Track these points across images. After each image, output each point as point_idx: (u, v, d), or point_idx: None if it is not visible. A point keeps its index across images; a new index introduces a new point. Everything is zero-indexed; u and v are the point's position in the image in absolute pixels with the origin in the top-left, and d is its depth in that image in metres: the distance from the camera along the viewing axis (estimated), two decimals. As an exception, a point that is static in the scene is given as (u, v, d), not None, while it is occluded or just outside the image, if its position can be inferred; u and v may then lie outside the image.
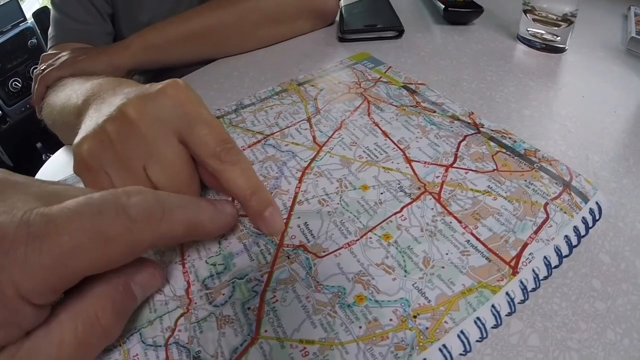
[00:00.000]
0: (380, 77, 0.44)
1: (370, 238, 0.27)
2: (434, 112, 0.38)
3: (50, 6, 0.65)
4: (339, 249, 0.27)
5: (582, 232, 0.27)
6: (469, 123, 0.36)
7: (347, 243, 0.27)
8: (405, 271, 0.25)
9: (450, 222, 0.27)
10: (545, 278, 0.25)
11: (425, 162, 0.32)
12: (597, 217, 0.28)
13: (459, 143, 0.33)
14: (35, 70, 0.54)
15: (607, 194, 0.31)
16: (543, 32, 0.50)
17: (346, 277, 0.25)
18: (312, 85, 0.44)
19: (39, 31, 1.92)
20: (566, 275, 0.26)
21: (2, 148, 1.82)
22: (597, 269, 0.26)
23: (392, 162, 0.32)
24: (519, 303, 0.24)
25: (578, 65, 0.48)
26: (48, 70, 0.52)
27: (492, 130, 0.35)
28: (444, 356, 0.21)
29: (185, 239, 0.25)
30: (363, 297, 0.24)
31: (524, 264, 0.25)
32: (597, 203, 0.28)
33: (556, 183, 0.29)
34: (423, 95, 0.40)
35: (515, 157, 0.32)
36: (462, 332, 0.22)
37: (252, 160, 0.34)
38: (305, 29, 0.60)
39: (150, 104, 0.26)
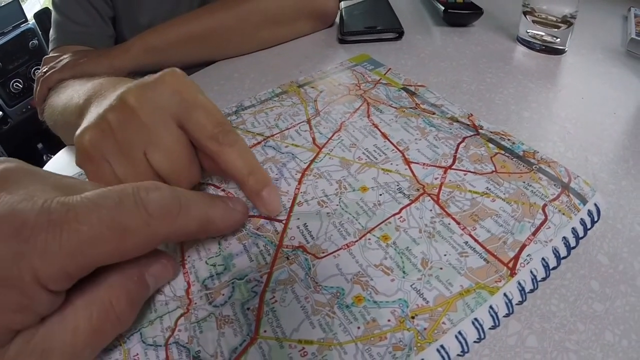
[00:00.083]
0: (380, 78, 0.44)
1: (369, 239, 0.27)
2: (433, 113, 0.38)
3: (51, 8, 0.65)
4: (338, 250, 0.27)
5: (581, 234, 0.27)
6: (468, 125, 0.36)
7: (346, 244, 0.27)
8: (404, 272, 0.25)
9: (449, 224, 0.27)
10: (544, 279, 0.25)
11: (424, 164, 0.32)
12: (595, 219, 0.28)
13: (458, 145, 0.34)
14: (37, 73, 0.54)
15: (605, 195, 0.31)
16: (543, 33, 0.50)
17: (345, 278, 0.25)
18: (312, 87, 0.44)
19: (40, 32, 1.93)
20: (564, 277, 0.26)
21: (3, 149, 1.83)
22: (596, 270, 0.27)
23: (391, 164, 0.32)
24: (516, 304, 0.24)
25: (578, 67, 0.48)
26: (50, 72, 0.52)
27: (491, 132, 0.35)
28: (442, 357, 0.21)
29: (197, 234, 0.25)
30: (362, 298, 0.24)
31: (522, 265, 0.25)
32: (595, 205, 0.28)
33: (555, 185, 0.29)
34: (422, 97, 0.40)
35: (514, 159, 0.32)
36: (459, 332, 0.22)
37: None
38: (305, 30, 0.60)
39: (149, 91, 0.27)
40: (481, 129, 0.35)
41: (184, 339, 0.23)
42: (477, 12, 0.57)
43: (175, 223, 0.22)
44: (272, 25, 0.56)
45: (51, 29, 0.63)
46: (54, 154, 0.51)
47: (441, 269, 0.25)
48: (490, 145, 0.33)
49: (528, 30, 0.52)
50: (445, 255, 0.26)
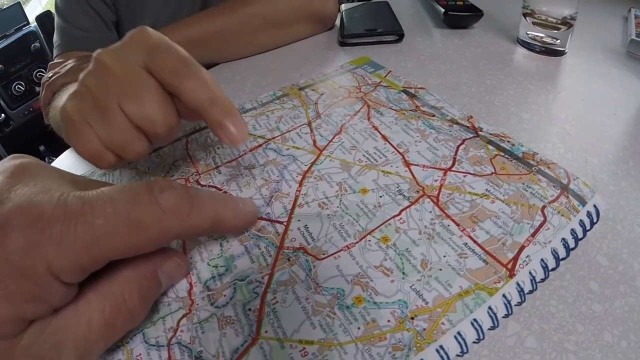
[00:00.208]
0: (380, 81, 0.45)
1: (369, 241, 0.27)
2: (433, 116, 0.38)
3: (53, 11, 0.65)
4: (338, 251, 0.27)
5: (580, 235, 0.27)
6: (467, 127, 0.36)
7: (347, 246, 0.27)
8: (404, 273, 0.25)
9: (448, 225, 0.28)
10: (542, 280, 0.25)
11: (424, 166, 0.32)
12: (594, 220, 0.28)
13: (458, 147, 0.34)
14: (42, 78, 0.55)
15: (605, 196, 0.31)
16: (543, 35, 0.51)
17: (345, 279, 0.25)
18: (313, 90, 0.44)
19: (42, 35, 1.93)
20: (563, 278, 0.26)
21: (5, 151, 1.84)
22: (595, 271, 0.27)
23: (392, 166, 0.33)
24: (515, 305, 0.24)
25: (578, 68, 0.48)
26: (54, 77, 0.53)
27: (491, 134, 0.35)
28: (441, 357, 0.21)
29: (209, 232, 0.26)
30: (362, 299, 0.24)
31: (521, 266, 0.25)
32: (594, 206, 0.28)
33: (554, 186, 0.30)
34: (422, 100, 0.41)
35: (514, 161, 0.32)
36: (459, 333, 0.22)
37: (254, 164, 0.35)
38: (306, 33, 0.60)
39: (120, 48, 0.28)
40: (481, 130, 0.35)
41: (186, 339, 0.23)
42: (477, 14, 0.57)
43: (188, 220, 0.22)
44: (272, 28, 0.56)
45: (55, 34, 0.63)
46: (57, 157, 0.51)
47: (440, 270, 0.25)
48: (490, 147, 0.33)
49: (528, 32, 0.52)
50: (444, 256, 0.26)
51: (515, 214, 0.28)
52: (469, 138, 0.35)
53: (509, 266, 0.25)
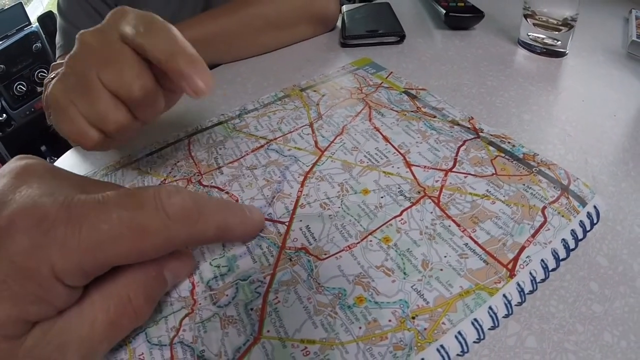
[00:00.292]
0: (382, 82, 0.45)
1: (371, 241, 0.27)
2: (434, 117, 0.38)
3: (55, 11, 0.66)
4: (340, 251, 0.27)
5: (580, 236, 0.27)
6: (468, 128, 0.36)
7: (348, 246, 0.27)
8: (405, 273, 0.25)
9: (449, 226, 0.28)
10: (543, 281, 0.25)
11: (425, 167, 0.32)
12: (594, 221, 0.28)
13: (459, 148, 0.34)
14: (45, 78, 0.55)
15: (605, 197, 0.31)
16: (543, 36, 0.51)
17: (347, 279, 0.25)
18: (315, 91, 0.45)
19: (43, 35, 1.94)
20: (563, 278, 0.26)
21: (7, 151, 1.84)
22: (595, 271, 0.27)
23: (393, 167, 0.33)
24: (516, 305, 0.24)
25: (578, 69, 0.49)
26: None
27: (492, 135, 0.35)
28: (442, 356, 0.22)
29: (214, 240, 0.26)
30: (363, 299, 0.24)
31: (521, 266, 0.25)
32: (595, 207, 0.29)
33: (554, 187, 0.30)
34: (423, 101, 0.41)
35: (514, 162, 0.32)
36: (459, 333, 0.22)
37: (256, 165, 0.35)
38: (307, 34, 0.60)
39: (100, 26, 0.29)
40: (481, 132, 0.36)
41: (189, 338, 0.24)
42: (478, 15, 0.58)
43: (194, 228, 0.22)
44: (274, 29, 0.57)
45: (57, 34, 0.63)
46: (58, 157, 0.51)
47: (441, 270, 0.25)
48: (491, 148, 0.34)
49: (529, 33, 0.52)
50: (445, 256, 0.26)
51: (515, 215, 0.28)
52: (470, 139, 0.35)
53: (510, 266, 0.25)
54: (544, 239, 0.26)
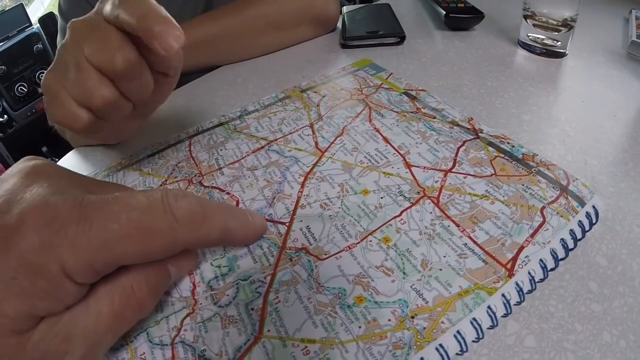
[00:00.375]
0: (382, 83, 0.45)
1: (371, 241, 0.28)
2: (434, 118, 0.38)
3: (56, 13, 0.66)
4: (340, 251, 0.27)
5: (579, 236, 0.28)
6: (468, 128, 0.36)
7: (348, 246, 0.28)
8: (404, 273, 0.25)
9: (449, 226, 0.28)
10: (542, 280, 0.26)
11: (424, 167, 0.33)
12: (593, 221, 0.28)
13: (458, 148, 0.34)
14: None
15: (605, 197, 0.31)
16: (543, 37, 0.51)
17: (347, 279, 0.26)
18: (315, 92, 0.45)
19: (44, 36, 1.94)
20: (562, 278, 0.26)
21: (8, 152, 1.84)
22: (594, 271, 0.27)
23: (393, 167, 0.33)
24: (515, 305, 0.24)
25: (578, 70, 0.49)
26: None
27: (491, 136, 0.35)
28: (441, 355, 0.22)
29: (217, 243, 0.26)
30: (363, 298, 0.24)
31: (520, 266, 0.25)
32: (593, 207, 0.29)
33: (553, 187, 0.30)
34: (423, 102, 0.41)
35: (513, 162, 0.32)
36: (458, 332, 0.22)
37: (256, 165, 0.35)
38: (308, 35, 0.60)
39: (88, 15, 0.30)
40: (481, 132, 0.36)
41: (190, 338, 0.24)
42: (479, 16, 0.58)
43: (200, 231, 0.22)
44: (274, 30, 0.57)
45: (58, 35, 0.63)
46: (59, 158, 0.51)
47: (440, 270, 0.25)
48: (490, 148, 0.34)
49: (529, 34, 0.52)
50: (444, 256, 0.26)
51: (514, 215, 0.28)
52: (470, 140, 0.35)
53: (508, 266, 0.25)
54: (543, 239, 0.27)
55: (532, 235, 0.27)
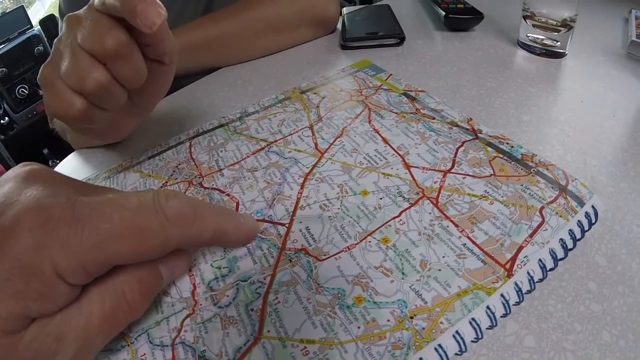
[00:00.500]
0: (381, 84, 0.45)
1: (370, 242, 0.28)
2: (433, 118, 0.38)
3: (57, 14, 0.66)
4: (339, 252, 0.27)
5: (578, 236, 0.28)
6: (467, 129, 0.36)
7: (347, 247, 0.28)
8: (403, 274, 0.25)
9: (447, 226, 0.28)
10: (541, 280, 0.26)
11: (423, 168, 0.33)
12: (593, 221, 0.28)
13: (457, 149, 0.34)
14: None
15: (604, 197, 0.31)
16: (543, 37, 0.51)
17: (346, 280, 0.26)
18: (315, 93, 0.45)
19: (45, 38, 1.94)
20: (562, 278, 0.26)
21: (9, 154, 1.85)
22: (593, 271, 0.27)
23: (392, 168, 0.33)
24: (514, 305, 0.24)
25: (578, 70, 0.49)
26: None
27: (490, 136, 0.35)
28: (440, 356, 0.22)
29: (210, 244, 0.27)
30: (362, 299, 0.24)
31: (519, 266, 0.25)
32: (593, 207, 0.29)
33: (552, 187, 0.30)
34: (423, 102, 0.41)
35: (512, 162, 0.32)
36: (457, 332, 0.22)
37: (256, 167, 0.35)
38: (307, 37, 0.60)
39: (83, 8, 0.30)
40: (480, 133, 0.36)
41: (190, 339, 0.24)
42: (478, 16, 0.58)
43: (191, 230, 0.23)
44: (274, 32, 0.57)
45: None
46: (60, 160, 0.51)
47: (439, 270, 0.25)
48: (489, 149, 0.34)
49: (528, 34, 0.52)
50: (443, 257, 0.26)
51: (513, 215, 0.28)
52: (469, 140, 0.35)
53: (507, 266, 0.25)
54: (542, 239, 0.27)
55: (531, 236, 0.27)
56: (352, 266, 0.26)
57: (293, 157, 0.36)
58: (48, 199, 0.20)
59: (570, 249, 0.27)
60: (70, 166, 0.45)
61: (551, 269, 0.26)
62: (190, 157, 0.38)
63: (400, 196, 0.31)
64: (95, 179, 0.39)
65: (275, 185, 0.33)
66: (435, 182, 0.31)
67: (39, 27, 1.97)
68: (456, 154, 0.34)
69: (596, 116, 0.40)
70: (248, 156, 0.37)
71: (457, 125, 0.37)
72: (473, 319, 0.23)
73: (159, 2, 0.28)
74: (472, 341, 0.23)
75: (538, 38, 0.51)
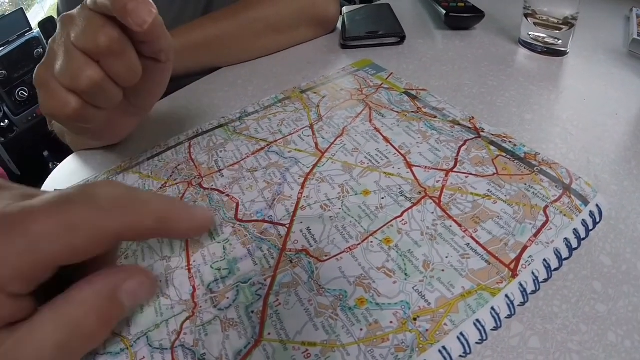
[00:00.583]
0: (382, 83, 0.45)
1: (372, 242, 0.27)
2: (435, 117, 0.38)
3: (56, 17, 0.66)
4: (340, 253, 0.27)
5: (583, 235, 0.27)
6: (469, 128, 0.36)
7: (349, 247, 0.27)
8: (406, 274, 0.25)
9: (450, 226, 0.28)
10: (545, 280, 0.25)
11: (425, 167, 0.32)
12: (597, 220, 0.28)
13: (460, 148, 0.34)
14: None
15: (608, 196, 0.31)
16: (544, 35, 0.50)
17: (348, 281, 0.25)
18: (315, 93, 0.45)
19: (45, 40, 1.94)
20: (566, 278, 0.26)
21: (9, 157, 1.84)
22: (598, 271, 0.26)
23: (393, 168, 0.33)
24: (518, 305, 0.24)
25: (579, 68, 0.48)
26: None
27: (493, 135, 0.35)
28: (444, 358, 0.21)
29: (156, 232, 0.25)
30: (364, 300, 0.24)
31: (524, 266, 0.25)
32: (597, 205, 0.28)
33: (556, 186, 0.30)
34: (424, 101, 0.41)
35: (516, 161, 0.32)
36: (461, 334, 0.22)
37: (256, 167, 0.35)
38: (307, 37, 0.60)
39: (78, 8, 0.30)
40: (482, 131, 0.35)
41: (190, 342, 0.24)
42: (479, 15, 0.57)
43: (129, 217, 0.21)
44: (273, 32, 0.57)
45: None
46: (60, 162, 0.51)
47: (443, 270, 0.25)
48: (492, 147, 0.33)
49: (529, 33, 0.52)
50: (446, 257, 0.26)
51: (517, 215, 0.28)
52: (471, 139, 0.35)
53: (512, 266, 0.25)
54: (546, 239, 0.26)
55: (535, 235, 0.26)
56: (354, 267, 0.26)
57: (293, 157, 0.35)
58: None
59: (575, 249, 0.27)
60: (69, 168, 0.45)
61: (556, 269, 0.26)
62: (189, 158, 0.38)
63: (402, 196, 0.30)
64: (93, 181, 0.39)
65: (276, 186, 0.33)
66: (437, 182, 0.31)
67: (38, 29, 1.97)
68: (458, 152, 0.33)
69: (599, 114, 0.40)
70: (248, 156, 0.37)
71: (459, 124, 0.37)
72: (477, 320, 0.23)
73: (150, 1, 0.28)
74: (477, 343, 0.23)
75: (539, 36, 0.51)
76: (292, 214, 0.30)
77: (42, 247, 0.19)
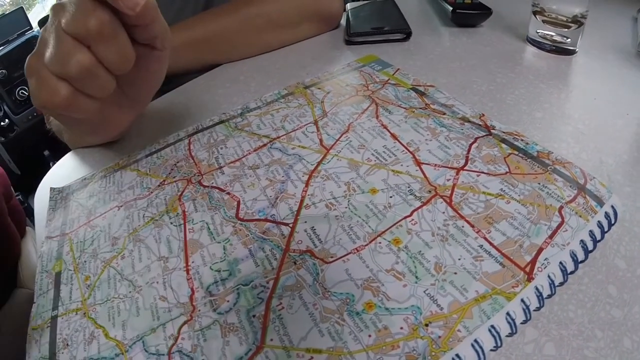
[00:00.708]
0: (389, 79, 0.44)
1: (380, 243, 0.26)
2: (444, 114, 0.37)
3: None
4: (347, 254, 0.26)
5: (598, 237, 0.26)
6: (480, 125, 0.35)
7: (356, 248, 0.26)
8: (416, 277, 0.24)
9: (463, 227, 0.27)
10: (561, 284, 0.24)
11: (435, 165, 0.31)
12: (612, 222, 0.27)
13: (470, 145, 0.33)
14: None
15: (621, 197, 0.30)
16: (553, 33, 0.50)
17: (355, 284, 0.24)
18: (319, 88, 0.44)
19: (45, 40, 1.94)
20: (581, 282, 0.25)
21: (10, 156, 1.85)
22: (613, 274, 0.26)
23: (402, 165, 0.32)
24: (534, 310, 0.23)
25: (589, 68, 0.48)
26: None
27: (504, 132, 0.34)
28: (458, 366, 0.20)
29: None
30: (372, 305, 0.23)
31: (539, 269, 0.24)
32: (612, 207, 0.27)
33: (570, 186, 0.29)
34: (432, 97, 0.40)
35: (528, 160, 0.31)
36: (476, 341, 0.21)
37: (258, 164, 0.34)
38: (310, 33, 0.60)
39: None
40: (493, 129, 0.34)
41: (188, 347, 0.23)
42: (486, 12, 0.57)
43: None
44: (276, 28, 0.56)
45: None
46: (61, 161, 0.51)
47: (455, 273, 0.24)
48: (504, 145, 0.32)
49: (538, 31, 0.51)
50: (459, 259, 0.25)
51: (531, 215, 0.27)
52: (482, 136, 0.34)
53: (527, 269, 0.24)
54: (562, 240, 0.25)
55: (550, 237, 0.25)
56: (361, 269, 0.25)
57: (297, 154, 0.34)
58: None
59: (591, 251, 0.26)
60: (67, 166, 0.45)
61: (572, 272, 0.25)
62: (189, 155, 0.37)
63: (411, 194, 0.29)
64: (91, 178, 0.38)
65: (279, 183, 0.32)
66: (448, 180, 0.30)
67: (38, 28, 1.97)
68: (469, 150, 0.32)
69: (609, 114, 0.39)
70: (249, 153, 0.36)
71: (469, 121, 0.36)
72: (492, 326, 0.22)
73: None
74: (491, 350, 0.22)
75: (548, 34, 0.50)
76: (295, 213, 0.29)
77: None
